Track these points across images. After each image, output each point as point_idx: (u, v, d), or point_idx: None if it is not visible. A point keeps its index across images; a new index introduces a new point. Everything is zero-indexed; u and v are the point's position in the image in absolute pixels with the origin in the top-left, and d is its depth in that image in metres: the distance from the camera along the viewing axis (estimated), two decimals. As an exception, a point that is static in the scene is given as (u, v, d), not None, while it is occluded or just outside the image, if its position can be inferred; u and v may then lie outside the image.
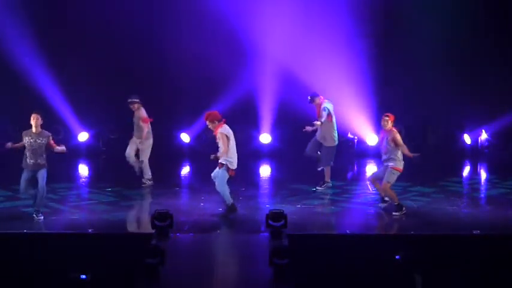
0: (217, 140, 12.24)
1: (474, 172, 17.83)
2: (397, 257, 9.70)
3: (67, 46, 18.24)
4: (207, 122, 12.26)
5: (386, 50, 18.50)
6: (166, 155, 18.45)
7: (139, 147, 14.42)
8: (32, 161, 11.96)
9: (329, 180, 14.24)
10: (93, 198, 13.32)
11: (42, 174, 11.96)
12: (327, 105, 13.99)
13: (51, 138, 12.15)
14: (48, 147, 12.05)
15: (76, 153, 17.87)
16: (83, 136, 18.63)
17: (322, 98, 14.11)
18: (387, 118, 12.53)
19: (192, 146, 18.74)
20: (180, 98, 18.73)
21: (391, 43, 18.54)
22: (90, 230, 11.42)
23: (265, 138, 18.92)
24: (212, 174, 12.42)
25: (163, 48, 18.54)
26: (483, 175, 17.40)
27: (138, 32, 18.31)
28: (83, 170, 17.55)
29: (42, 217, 11.99)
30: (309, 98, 14.27)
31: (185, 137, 18.88)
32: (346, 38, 18.32)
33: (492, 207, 12.96)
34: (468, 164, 18.24)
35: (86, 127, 18.60)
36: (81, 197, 14.13)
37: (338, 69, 18.40)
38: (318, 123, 13.83)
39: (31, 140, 12.01)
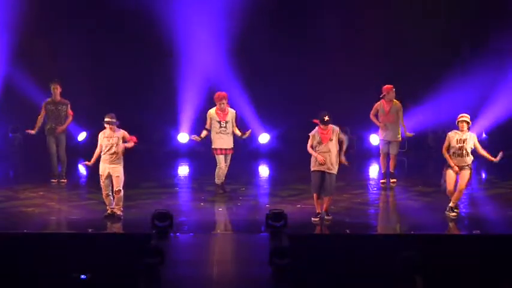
0: (227, 119, 13.46)
1: (474, 172, 17.80)
2: (397, 257, 9.69)
3: (66, 45, 18.23)
4: (226, 101, 13.43)
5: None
6: (165, 155, 18.47)
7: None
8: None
9: None
10: (93, 198, 13.31)
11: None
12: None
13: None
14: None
15: (75, 152, 17.85)
16: (82, 136, 18.63)
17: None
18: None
19: (191, 146, 18.72)
20: (179, 98, 18.73)
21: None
22: (90, 230, 11.41)
23: (264, 138, 18.91)
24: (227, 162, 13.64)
25: (162, 47, 18.55)
26: (482, 175, 17.39)
27: (138, 31, 18.33)
28: (83, 169, 17.53)
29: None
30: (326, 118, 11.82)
31: (183, 137, 18.86)
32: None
33: (492, 207, 12.96)
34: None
35: (85, 126, 18.58)
36: (81, 197, 14.11)
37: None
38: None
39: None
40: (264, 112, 18.72)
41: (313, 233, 11.67)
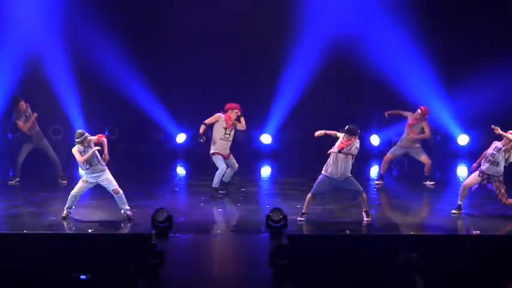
0: (233, 128, 13.52)
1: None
2: (397, 257, 9.69)
3: (67, 45, 18.26)
4: (239, 112, 13.45)
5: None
6: (165, 155, 18.48)
7: None
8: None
9: None
10: (93, 198, 13.32)
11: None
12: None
13: None
14: None
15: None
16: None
17: None
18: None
19: (190, 147, 18.70)
20: (179, 97, 18.74)
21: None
22: (90, 230, 11.42)
23: (265, 138, 18.90)
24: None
25: (164, 47, 18.58)
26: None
27: (139, 33, 18.37)
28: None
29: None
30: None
31: (181, 138, 18.83)
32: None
33: (492, 208, 12.96)
34: (468, 164, 18.23)
35: (86, 127, 18.58)
36: (81, 198, 14.10)
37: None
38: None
39: None
40: (265, 112, 18.74)
41: (313, 233, 11.67)
